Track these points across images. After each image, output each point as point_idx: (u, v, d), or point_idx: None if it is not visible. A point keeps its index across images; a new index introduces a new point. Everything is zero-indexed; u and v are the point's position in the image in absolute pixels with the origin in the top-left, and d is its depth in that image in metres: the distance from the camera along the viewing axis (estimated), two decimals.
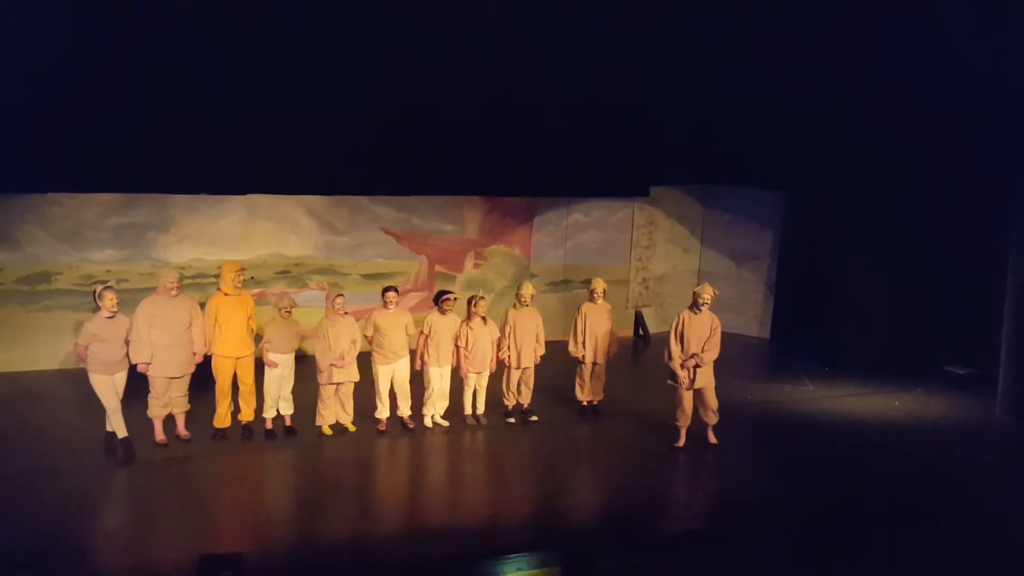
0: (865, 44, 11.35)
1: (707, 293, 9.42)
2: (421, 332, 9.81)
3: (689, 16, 11.44)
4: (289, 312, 9.36)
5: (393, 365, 9.70)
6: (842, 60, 11.58)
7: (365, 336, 9.64)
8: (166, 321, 8.84)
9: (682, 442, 9.66)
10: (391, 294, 9.66)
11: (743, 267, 14.62)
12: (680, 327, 9.44)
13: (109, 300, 8.52)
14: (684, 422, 9.61)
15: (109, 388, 8.65)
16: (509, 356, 10.07)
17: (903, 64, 11.27)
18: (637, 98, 12.07)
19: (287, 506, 8.37)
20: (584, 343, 10.24)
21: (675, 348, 9.44)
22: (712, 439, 9.64)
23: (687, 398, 9.52)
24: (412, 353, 9.87)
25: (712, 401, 9.55)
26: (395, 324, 9.63)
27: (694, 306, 9.44)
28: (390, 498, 8.54)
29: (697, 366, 9.38)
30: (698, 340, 9.38)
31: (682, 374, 9.44)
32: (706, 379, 9.48)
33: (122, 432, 8.72)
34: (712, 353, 9.43)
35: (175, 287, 8.92)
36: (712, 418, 9.59)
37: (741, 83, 12.11)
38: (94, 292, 8.73)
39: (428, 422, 10.01)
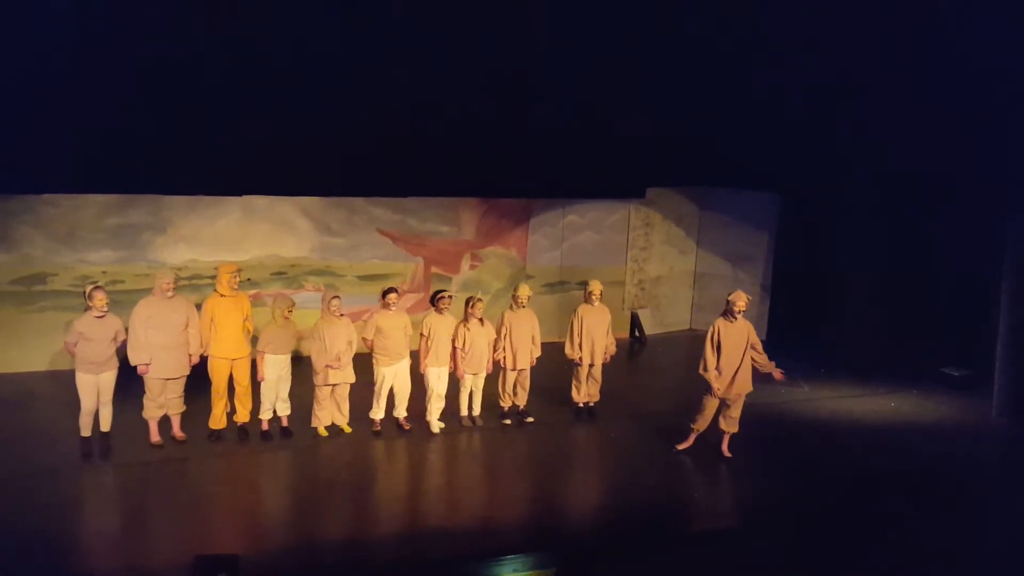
0: (863, 45, 11.37)
1: (741, 300, 9.21)
2: (421, 334, 9.80)
3: (686, 18, 11.46)
4: (289, 314, 9.36)
5: (396, 366, 9.69)
6: (839, 61, 11.59)
7: (364, 339, 9.62)
8: (162, 322, 8.83)
9: (688, 444, 9.62)
10: (392, 295, 9.65)
11: (739, 268, 14.63)
12: (716, 336, 9.22)
13: (99, 300, 8.53)
14: (700, 427, 9.52)
15: (91, 388, 8.68)
16: (505, 357, 10.06)
17: (901, 65, 11.29)
18: (633, 100, 12.08)
19: (283, 507, 8.36)
20: (580, 345, 10.23)
21: (711, 358, 9.22)
22: (727, 452, 9.49)
23: (712, 406, 9.40)
24: (411, 354, 9.87)
25: (737, 411, 9.40)
26: (396, 325, 9.62)
27: (728, 314, 9.24)
28: (386, 499, 8.53)
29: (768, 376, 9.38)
30: (735, 349, 9.19)
31: (716, 385, 9.24)
32: (742, 386, 9.32)
33: (85, 432, 8.82)
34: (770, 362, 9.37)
35: (171, 288, 8.92)
36: (732, 427, 9.45)
37: (738, 85, 12.12)
38: (84, 291, 8.74)
39: (435, 428, 9.95)
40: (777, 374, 9.43)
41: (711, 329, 9.33)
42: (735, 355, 9.23)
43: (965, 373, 12.14)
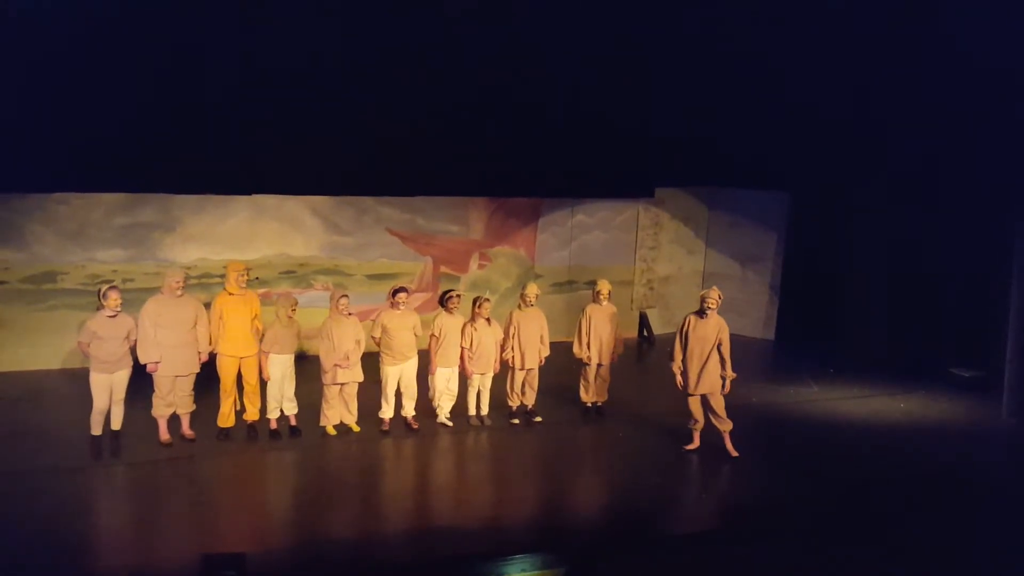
0: (867, 45, 11.34)
1: (711, 298, 9.27)
2: (432, 335, 9.81)
3: (691, 17, 11.43)
4: (293, 313, 9.38)
5: (402, 366, 9.70)
6: (844, 61, 11.56)
7: (372, 337, 9.64)
8: (171, 321, 8.86)
9: (694, 445, 9.61)
10: (402, 295, 9.65)
11: (747, 268, 14.61)
12: (685, 329, 9.36)
13: (113, 300, 8.57)
14: (695, 425, 9.56)
15: (104, 388, 8.70)
16: (513, 357, 10.07)
17: (905, 65, 11.26)
18: (641, 99, 12.06)
19: (291, 506, 8.37)
20: (589, 344, 10.22)
21: (677, 352, 9.38)
22: (731, 450, 9.44)
23: (692, 403, 9.46)
24: (420, 354, 9.87)
25: (718, 408, 9.39)
26: (403, 325, 9.63)
27: (699, 311, 9.34)
28: (394, 498, 8.54)
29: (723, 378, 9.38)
30: (702, 344, 9.25)
31: (679, 379, 9.38)
32: (710, 385, 9.33)
33: (96, 431, 8.83)
34: (730, 367, 9.37)
35: (181, 287, 8.95)
36: (723, 425, 9.43)
37: (745, 84, 12.10)
38: (99, 291, 8.78)
39: (443, 418, 10.05)
40: (726, 386, 9.40)
41: (682, 322, 9.47)
42: (702, 351, 9.27)
43: (974, 374, 12.08)
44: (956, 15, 10.50)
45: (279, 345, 9.26)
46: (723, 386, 9.38)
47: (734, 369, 9.39)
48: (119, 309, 8.63)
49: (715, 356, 9.30)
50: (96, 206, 11.36)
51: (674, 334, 9.65)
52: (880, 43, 11.26)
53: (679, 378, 9.40)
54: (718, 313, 9.38)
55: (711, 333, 9.28)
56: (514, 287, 13.16)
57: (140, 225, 11.60)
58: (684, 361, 9.38)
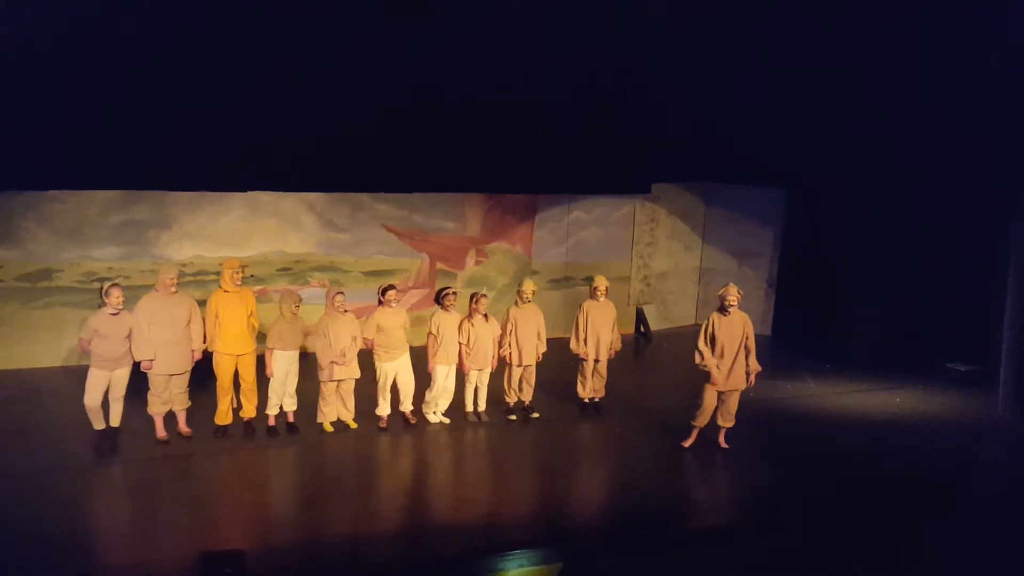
0: (867, 42, 11.33)
1: (732, 294, 9.31)
2: (430, 333, 9.81)
3: (690, 12, 11.42)
4: (297, 309, 9.37)
5: (397, 362, 9.71)
6: (844, 57, 11.55)
7: (365, 339, 9.60)
8: (165, 318, 8.85)
9: (691, 442, 9.62)
10: (392, 292, 9.67)
11: (745, 264, 14.61)
12: (710, 330, 9.32)
13: (115, 297, 8.59)
14: (701, 422, 9.54)
15: (101, 385, 8.70)
16: (511, 353, 10.06)
17: (905, 62, 11.25)
18: (638, 95, 12.04)
19: (289, 503, 8.37)
20: (586, 340, 10.22)
21: (705, 351, 9.30)
22: (723, 443, 9.54)
23: (712, 400, 9.43)
24: (413, 350, 9.87)
25: (733, 405, 9.45)
26: (396, 322, 9.65)
27: (721, 309, 9.35)
28: (392, 495, 8.53)
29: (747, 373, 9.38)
30: (731, 341, 9.25)
31: (715, 373, 9.29)
32: (737, 381, 9.36)
33: (99, 425, 8.86)
34: (755, 359, 9.41)
35: (174, 284, 8.93)
36: (728, 421, 9.49)
37: (743, 80, 12.08)
38: (101, 288, 8.79)
39: (433, 418, 10.02)
40: (751, 379, 9.45)
41: (705, 323, 9.44)
42: (731, 349, 9.28)
43: (970, 368, 12.11)
44: (955, 12, 10.49)
45: (283, 342, 9.26)
46: (747, 379, 9.40)
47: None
48: (121, 307, 8.66)
49: (742, 352, 9.32)
50: (91, 203, 11.33)
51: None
52: (878, 40, 11.25)
53: (716, 373, 9.28)
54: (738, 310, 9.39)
55: (737, 329, 9.30)
56: (511, 284, 13.15)
57: (135, 222, 11.57)
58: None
